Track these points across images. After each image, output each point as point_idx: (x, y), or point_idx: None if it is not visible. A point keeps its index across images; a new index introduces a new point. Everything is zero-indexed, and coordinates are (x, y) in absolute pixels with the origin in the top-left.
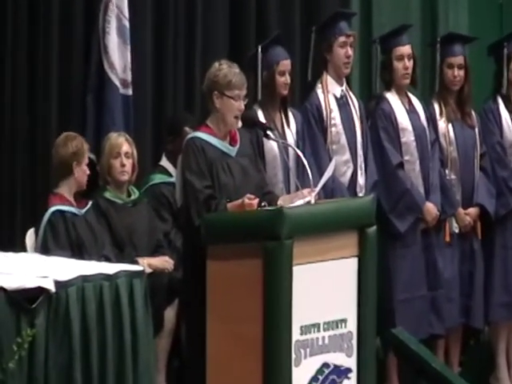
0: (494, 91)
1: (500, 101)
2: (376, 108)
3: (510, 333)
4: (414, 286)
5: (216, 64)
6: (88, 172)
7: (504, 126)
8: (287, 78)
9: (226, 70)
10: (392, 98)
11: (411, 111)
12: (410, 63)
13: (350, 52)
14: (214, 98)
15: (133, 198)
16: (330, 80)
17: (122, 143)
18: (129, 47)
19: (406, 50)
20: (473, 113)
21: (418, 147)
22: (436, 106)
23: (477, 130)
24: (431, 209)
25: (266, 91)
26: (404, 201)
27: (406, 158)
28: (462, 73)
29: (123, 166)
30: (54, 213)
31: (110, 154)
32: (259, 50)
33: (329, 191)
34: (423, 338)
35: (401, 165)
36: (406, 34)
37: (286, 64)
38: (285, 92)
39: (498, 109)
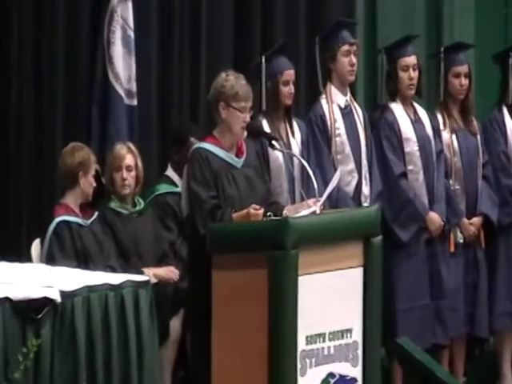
0: (499, 101)
1: (505, 110)
2: (380, 118)
3: None
4: (416, 296)
5: (223, 74)
6: (94, 184)
7: (509, 135)
8: (291, 88)
9: (233, 81)
10: (396, 108)
11: (416, 121)
12: (415, 74)
13: (354, 60)
14: (220, 109)
15: (138, 208)
16: (334, 90)
17: (125, 155)
18: (134, 57)
19: (411, 60)
20: (474, 120)
21: (421, 157)
22: (439, 117)
23: (479, 137)
24: (435, 218)
25: (270, 101)
26: (406, 210)
27: (410, 167)
28: (467, 82)
29: (124, 179)
30: (59, 223)
31: (113, 167)
32: (263, 59)
33: (334, 201)
34: (425, 347)
35: (404, 174)
36: (412, 44)
37: (290, 74)
38: (289, 102)
39: (503, 118)
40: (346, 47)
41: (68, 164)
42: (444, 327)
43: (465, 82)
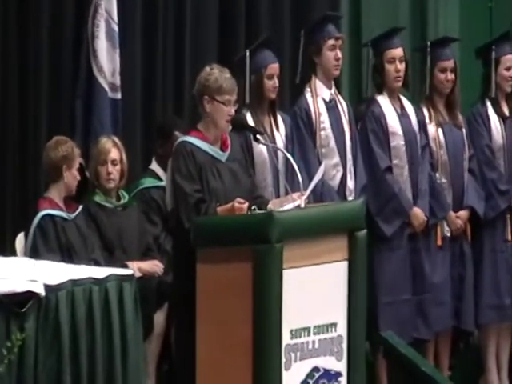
0: (483, 94)
1: (488, 104)
2: (366, 111)
3: (500, 336)
4: (398, 290)
5: (207, 68)
6: (78, 177)
7: (493, 129)
8: (275, 82)
9: (217, 74)
10: (383, 101)
11: (402, 115)
12: (401, 66)
13: (339, 54)
14: (205, 103)
15: (122, 201)
16: (318, 84)
17: (110, 149)
18: (118, 51)
19: (397, 52)
20: (460, 114)
21: (407, 152)
22: (425, 111)
23: (464, 130)
24: (418, 214)
25: (254, 95)
26: (391, 205)
27: (395, 162)
28: (453, 76)
29: (109, 173)
30: (43, 217)
31: (97, 161)
32: (247, 53)
33: (318, 195)
34: (406, 341)
35: (389, 169)
36: (398, 36)
37: (274, 67)
38: (273, 96)
39: (486, 112)
40: (331, 41)
41: (52, 158)
42: (427, 322)
43: (451, 76)
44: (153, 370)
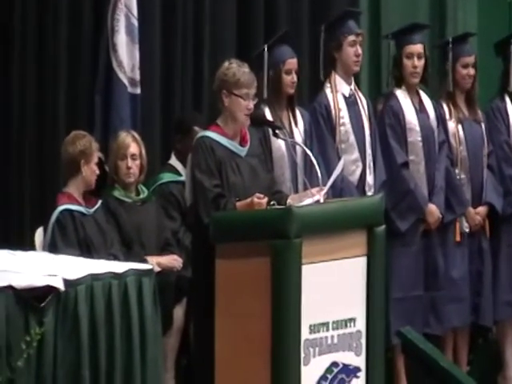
0: (501, 89)
1: (507, 99)
2: (385, 105)
3: None
4: (410, 286)
5: (226, 63)
6: (97, 171)
7: (511, 124)
8: (294, 77)
9: (235, 68)
10: (401, 95)
11: (421, 111)
12: (419, 62)
13: (360, 51)
14: (223, 97)
15: (142, 196)
16: (338, 79)
17: (129, 144)
18: (137, 46)
19: (416, 48)
20: (479, 110)
21: (424, 148)
22: (445, 106)
23: (483, 125)
24: (434, 210)
25: (272, 90)
26: (406, 201)
27: (412, 157)
28: (474, 71)
29: (129, 168)
30: (62, 212)
31: (117, 156)
32: (265, 48)
33: (338, 190)
34: None
35: (406, 164)
36: (419, 33)
37: (292, 63)
38: (291, 91)
39: (505, 107)
40: (352, 37)
41: (70, 152)
42: (439, 318)
43: (472, 71)
44: (172, 365)
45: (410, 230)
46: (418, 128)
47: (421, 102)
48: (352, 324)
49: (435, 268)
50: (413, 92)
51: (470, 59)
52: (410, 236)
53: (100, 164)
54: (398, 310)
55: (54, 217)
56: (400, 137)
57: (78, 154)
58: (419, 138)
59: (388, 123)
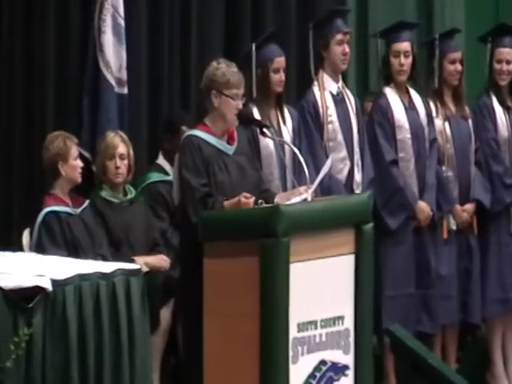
0: (488, 86)
1: (493, 96)
2: (374, 103)
3: (505, 329)
4: (401, 284)
5: (214, 63)
6: (80, 165)
7: (498, 121)
8: (282, 76)
9: (224, 68)
10: (390, 93)
11: (410, 108)
12: (406, 60)
13: (347, 49)
14: (212, 97)
15: (129, 196)
16: (326, 77)
17: (118, 144)
18: (124, 46)
19: (402, 46)
20: (466, 106)
21: (413, 145)
22: (432, 104)
23: (470, 122)
24: (424, 208)
25: (260, 89)
26: (396, 198)
27: (401, 155)
28: (461, 67)
29: (118, 168)
30: (47, 214)
31: (105, 156)
32: (253, 47)
33: (325, 188)
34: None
35: (395, 162)
36: (406, 31)
37: (280, 61)
38: (279, 89)
39: (491, 104)
40: (339, 36)
41: (46, 157)
42: (431, 316)
43: (459, 67)
44: (157, 365)
45: (401, 228)
46: (407, 126)
47: (410, 99)
48: (340, 322)
49: (426, 265)
50: (402, 90)
51: (457, 55)
52: (401, 234)
53: (84, 160)
54: (390, 308)
55: (40, 219)
56: (389, 135)
57: (54, 156)
58: (408, 136)
59: (377, 121)
